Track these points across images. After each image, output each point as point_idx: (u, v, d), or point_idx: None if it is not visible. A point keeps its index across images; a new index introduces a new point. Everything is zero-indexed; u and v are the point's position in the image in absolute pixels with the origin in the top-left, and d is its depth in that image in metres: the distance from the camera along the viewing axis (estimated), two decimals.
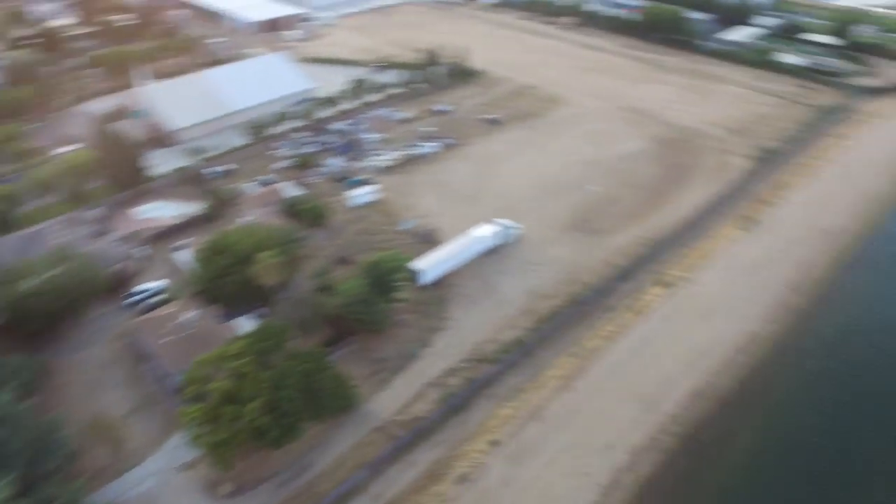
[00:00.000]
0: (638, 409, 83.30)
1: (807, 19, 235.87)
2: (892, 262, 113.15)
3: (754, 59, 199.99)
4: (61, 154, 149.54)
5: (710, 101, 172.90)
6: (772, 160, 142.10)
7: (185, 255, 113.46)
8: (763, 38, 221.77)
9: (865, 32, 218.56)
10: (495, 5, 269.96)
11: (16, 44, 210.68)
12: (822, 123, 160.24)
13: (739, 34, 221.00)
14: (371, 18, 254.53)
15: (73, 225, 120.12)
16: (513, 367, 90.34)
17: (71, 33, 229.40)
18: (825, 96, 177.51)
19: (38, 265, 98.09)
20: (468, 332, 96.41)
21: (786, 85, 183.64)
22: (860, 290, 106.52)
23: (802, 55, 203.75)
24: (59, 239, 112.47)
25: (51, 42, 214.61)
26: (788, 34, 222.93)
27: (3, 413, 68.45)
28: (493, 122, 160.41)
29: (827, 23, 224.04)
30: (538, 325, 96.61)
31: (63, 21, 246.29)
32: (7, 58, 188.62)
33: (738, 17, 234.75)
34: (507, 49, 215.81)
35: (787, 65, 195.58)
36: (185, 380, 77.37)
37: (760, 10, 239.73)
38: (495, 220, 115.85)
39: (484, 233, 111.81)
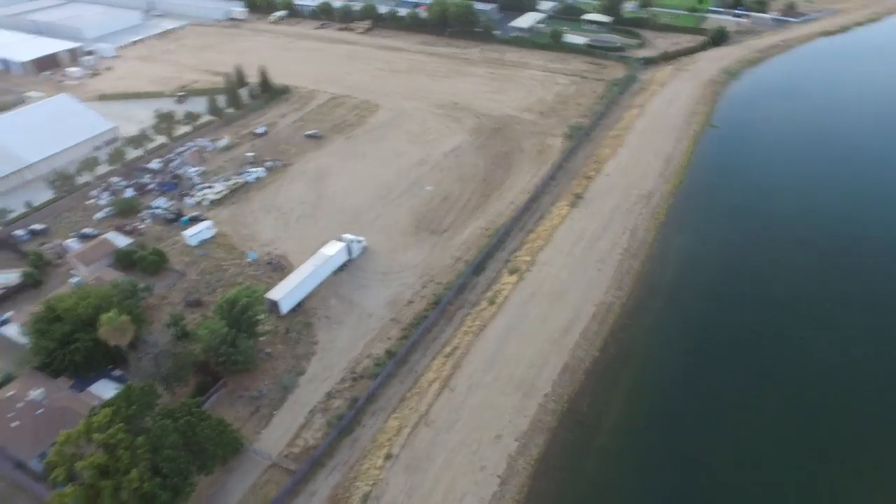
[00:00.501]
0: (517, 395, 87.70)
1: (582, 0, 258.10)
2: (696, 215, 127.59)
3: (545, 42, 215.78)
4: None
5: (515, 87, 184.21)
6: (583, 136, 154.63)
7: (12, 328, 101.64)
8: (547, 22, 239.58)
9: (630, 8, 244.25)
10: (286, 18, 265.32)
11: None
12: (616, 95, 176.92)
13: (526, 20, 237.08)
14: (156, 45, 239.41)
15: None
16: (391, 378, 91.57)
17: None
18: (613, 70, 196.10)
19: None
20: (339, 352, 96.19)
21: (579, 63, 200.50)
22: (679, 246, 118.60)
23: (585, 34, 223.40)
24: None
25: None
26: (569, 16, 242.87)
27: None
28: (314, 137, 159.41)
29: (599, 1, 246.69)
30: (406, 332, 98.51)
31: None
32: None
33: (520, 4, 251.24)
34: (309, 61, 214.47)
35: (574, 45, 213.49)
36: (48, 463, 70.50)
37: None
38: (341, 235, 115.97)
39: (333, 250, 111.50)
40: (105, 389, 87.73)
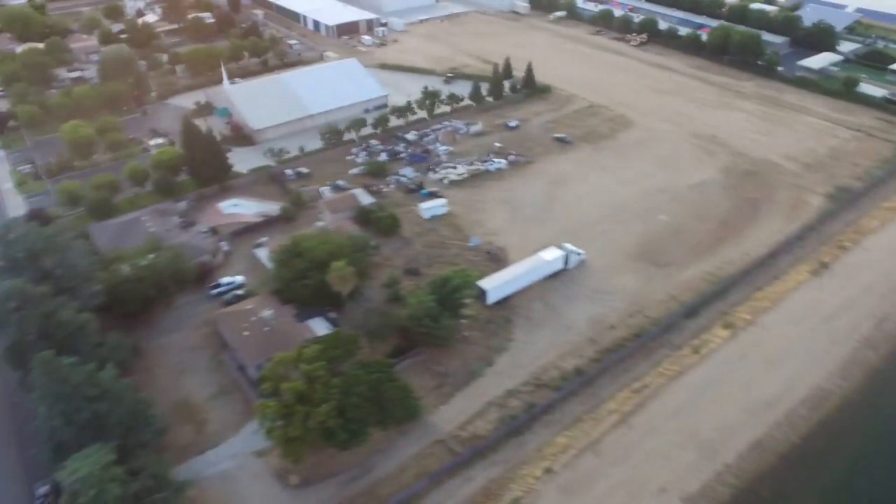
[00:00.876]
0: (695, 454, 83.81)
1: (892, 46, 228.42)
2: None
3: (834, 88, 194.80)
4: (152, 147, 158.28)
5: (785, 131, 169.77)
6: (850, 200, 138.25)
7: (263, 252, 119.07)
8: (843, 65, 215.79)
9: None
10: (564, 18, 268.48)
11: (110, 38, 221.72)
12: None
13: (818, 61, 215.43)
14: (441, 26, 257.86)
15: (163, 215, 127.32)
16: (572, 395, 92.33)
17: (158, 30, 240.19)
18: None
19: (134, 252, 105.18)
20: (530, 355, 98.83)
21: (868, 118, 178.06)
22: None
23: (887, 85, 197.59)
24: (151, 228, 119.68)
25: (139, 38, 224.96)
26: (872, 62, 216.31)
27: (107, 388, 74.33)
28: (563, 141, 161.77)
29: None
30: (600, 355, 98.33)
31: (150, 18, 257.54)
32: (102, 52, 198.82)
33: (817, 41, 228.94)
34: (577, 65, 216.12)
35: (870, 97, 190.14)
36: (262, 375, 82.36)
37: (840, 35, 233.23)
38: (562, 244, 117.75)
39: (551, 256, 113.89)
40: (319, 327, 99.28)
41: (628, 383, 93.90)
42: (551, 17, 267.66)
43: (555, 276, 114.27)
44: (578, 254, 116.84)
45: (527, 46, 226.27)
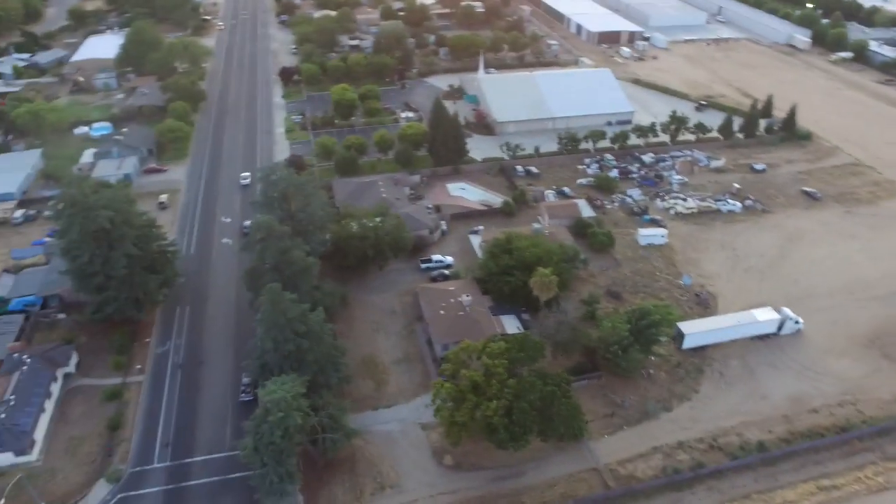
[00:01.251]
0: None
1: None
2: None
3: None
4: (402, 119, 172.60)
5: None
6: None
7: (476, 240, 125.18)
8: None
9: None
10: (849, 60, 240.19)
11: (390, 14, 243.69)
12: None
13: None
14: (706, 50, 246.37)
15: (396, 184, 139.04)
16: (747, 469, 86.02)
17: (432, 11, 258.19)
18: None
19: (364, 213, 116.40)
20: (713, 412, 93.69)
21: None
22: None
23: None
24: (384, 194, 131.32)
25: (414, 17, 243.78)
26: None
27: (313, 328, 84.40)
28: (810, 196, 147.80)
29: None
30: (792, 437, 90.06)
31: (428, 0, 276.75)
32: (381, 26, 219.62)
33: None
34: (849, 115, 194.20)
35: None
36: (446, 357, 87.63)
37: None
38: (780, 307, 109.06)
39: (764, 317, 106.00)
40: (510, 324, 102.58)
41: (816, 477, 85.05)
42: (833, 56, 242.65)
43: (763, 338, 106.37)
44: (796, 322, 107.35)
45: (796, 85, 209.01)
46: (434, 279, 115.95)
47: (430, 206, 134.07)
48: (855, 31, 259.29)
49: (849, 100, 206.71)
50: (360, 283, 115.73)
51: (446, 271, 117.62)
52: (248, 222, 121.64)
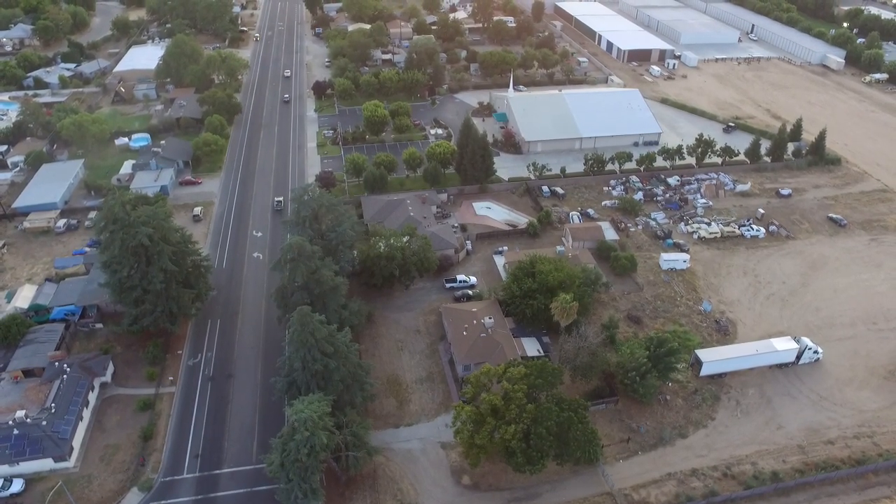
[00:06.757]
0: None
1: None
2: None
3: None
4: (432, 135, 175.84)
5: None
6: None
7: (500, 260, 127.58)
8: None
9: None
10: (883, 82, 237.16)
11: (423, 28, 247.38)
12: None
13: None
14: (737, 69, 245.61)
15: (424, 203, 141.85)
16: (760, 499, 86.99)
17: (464, 26, 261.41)
18: None
19: (392, 232, 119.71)
20: (728, 441, 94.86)
21: None
22: None
23: None
24: (411, 212, 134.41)
25: (447, 32, 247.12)
26: None
27: (340, 348, 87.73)
28: (837, 223, 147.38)
29: None
30: (806, 467, 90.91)
31: (461, 14, 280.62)
32: (413, 40, 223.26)
33: None
34: (881, 138, 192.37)
35: None
36: (467, 379, 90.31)
37: None
38: (800, 336, 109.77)
39: (783, 346, 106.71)
40: (531, 346, 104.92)
41: None
42: (867, 78, 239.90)
43: (781, 367, 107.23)
44: (816, 351, 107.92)
45: (827, 108, 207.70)
46: (458, 299, 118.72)
47: (455, 224, 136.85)
48: (893, 52, 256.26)
49: (881, 123, 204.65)
50: (385, 300, 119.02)
51: (470, 291, 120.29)
52: (279, 198, 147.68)
